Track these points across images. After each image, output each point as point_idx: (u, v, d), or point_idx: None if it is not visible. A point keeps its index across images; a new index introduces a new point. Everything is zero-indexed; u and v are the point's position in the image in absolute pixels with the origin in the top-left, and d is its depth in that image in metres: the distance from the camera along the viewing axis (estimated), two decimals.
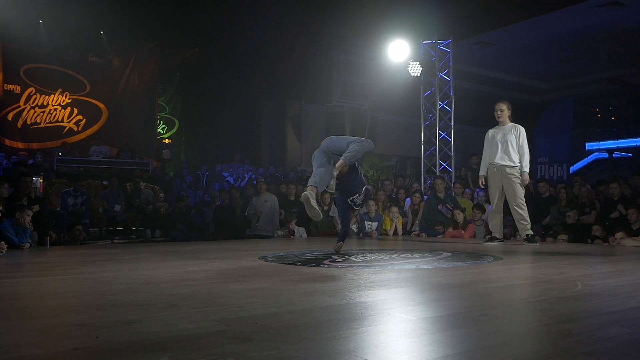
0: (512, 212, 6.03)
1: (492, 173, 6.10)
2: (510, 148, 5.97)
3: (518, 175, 5.95)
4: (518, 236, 7.04)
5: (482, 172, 6.27)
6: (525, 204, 5.98)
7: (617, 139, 15.52)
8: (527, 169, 5.97)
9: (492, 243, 6.00)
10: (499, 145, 6.03)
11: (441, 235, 7.66)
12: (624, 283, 2.94)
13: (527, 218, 5.96)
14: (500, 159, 6.00)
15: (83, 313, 2.14)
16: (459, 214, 7.69)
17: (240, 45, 12.74)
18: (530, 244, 5.83)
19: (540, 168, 13.65)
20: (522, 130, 6.07)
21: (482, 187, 6.45)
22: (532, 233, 6.02)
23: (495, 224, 6.18)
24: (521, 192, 5.98)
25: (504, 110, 6.12)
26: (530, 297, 2.50)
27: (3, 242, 4.98)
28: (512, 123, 6.13)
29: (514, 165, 5.95)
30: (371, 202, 8.21)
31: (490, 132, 6.23)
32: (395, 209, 8.22)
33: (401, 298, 2.53)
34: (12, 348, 1.55)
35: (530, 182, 7.84)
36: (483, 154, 6.28)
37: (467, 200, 8.45)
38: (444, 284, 2.92)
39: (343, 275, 3.27)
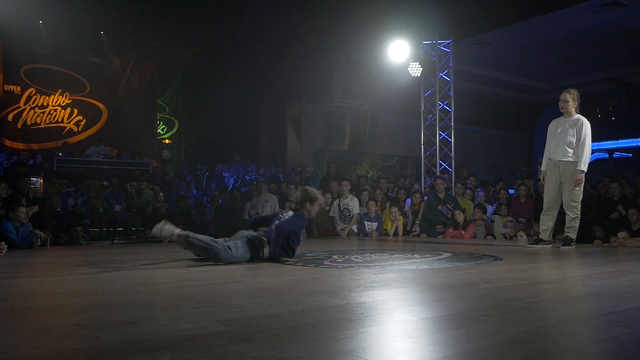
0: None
1: (550, 168, 5.61)
2: (571, 142, 5.44)
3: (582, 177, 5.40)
4: (519, 237, 7.04)
5: (542, 167, 5.76)
6: (578, 208, 5.44)
7: (617, 139, 15.53)
8: (583, 167, 5.37)
9: (536, 245, 5.55)
10: (559, 138, 5.53)
11: (441, 236, 7.67)
12: (625, 283, 2.94)
13: (574, 224, 5.44)
14: (558, 154, 5.51)
15: (83, 313, 2.13)
16: (459, 214, 7.69)
17: (240, 46, 12.73)
18: (565, 247, 5.44)
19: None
20: (585, 123, 5.46)
21: (543, 183, 5.80)
22: (573, 238, 5.47)
23: (543, 225, 5.65)
24: (576, 193, 5.42)
25: (568, 101, 5.53)
26: (530, 297, 2.50)
27: (3, 243, 4.99)
28: (578, 115, 5.55)
29: (573, 160, 5.43)
30: (371, 203, 8.22)
31: (553, 122, 5.69)
32: (395, 209, 8.22)
33: (401, 298, 2.53)
34: (12, 348, 1.55)
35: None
36: (545, 148, 5.77)
37: (468, 200, 8.46)
38: (445, 284, 2.91)
39: (343, 275, 3.27)
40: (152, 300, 2.39)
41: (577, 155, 5.44)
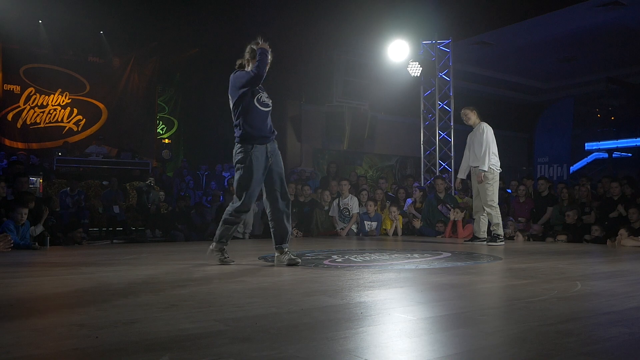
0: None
1: (472, 175, 6.29)
2: (478, 148, 6.09)
3: (486, 174, 6.01)
4: (516, 237, 7.08)
5: (460, 175, 6.51)
6: (492, 206, 6.03)
7: (617, 139, 15.54)
8: (484, 166, 5.98)
9: (472, 242, 6.23)
10: (471, 147, 6.26)
11: (441, 235, 7.68)
12: (624, 283, 2.94)
13: (496, 219, 6.04)
14: (473, 161, 6.19)
15: (83, 313, 2.13)
16: (457, 212, 7.69)
17: (240, 45, 12.68)
18: (491, 244, 5.98)
19: (540, 168, 13.66)
20: (485, 127, 6.15)
21: (458, 189, 6.73)
22: (500, 234, 6.07)
23: (475, 225, 6.35)
24: (490, 192, 6.02)
25: (466, 114, 6.32)
26: (530, 297, 2.50)
27: (9, 236, 4.97)
28: (480, 123, 6.26)
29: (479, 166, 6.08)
30: (370, 202, 8.21)
31: (469, 135, 6.41)
32: (395, 209, 8.22)
33: (401, 298, 2.53)
34: (12, 348, 1.55)
35: (530, 181, 7.91)
36: (463, 157, 6.51)
37: (470, 199, 8.48)
38: (444, 284, 2.92)
39: (343, 275, 3.27)
40: (151, 300, 2.39)
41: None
